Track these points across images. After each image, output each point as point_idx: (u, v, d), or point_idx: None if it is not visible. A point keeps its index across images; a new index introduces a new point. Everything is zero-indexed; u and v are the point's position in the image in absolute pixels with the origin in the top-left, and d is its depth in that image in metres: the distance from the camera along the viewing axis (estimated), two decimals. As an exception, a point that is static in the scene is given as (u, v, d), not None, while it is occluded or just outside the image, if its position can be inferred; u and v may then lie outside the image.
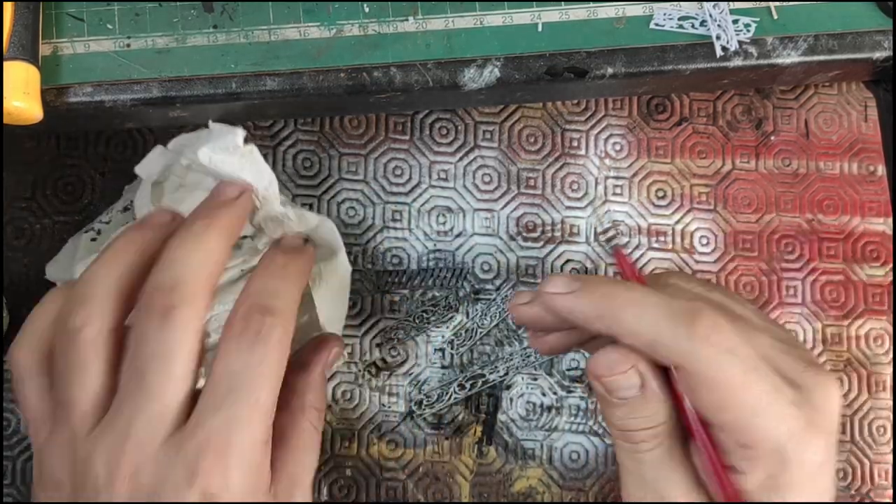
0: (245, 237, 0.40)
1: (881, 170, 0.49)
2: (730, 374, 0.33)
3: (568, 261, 0.47)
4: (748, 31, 0.42)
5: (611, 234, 0.38)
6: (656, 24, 0.42)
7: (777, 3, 0.43)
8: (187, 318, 0.33)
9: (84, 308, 0.34)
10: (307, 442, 0.37)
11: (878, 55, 0.43)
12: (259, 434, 0.33)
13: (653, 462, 0.35)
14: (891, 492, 0.47)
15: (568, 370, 0.47)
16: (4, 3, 0.38)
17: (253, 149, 0.37)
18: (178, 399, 0.33)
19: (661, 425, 0.35)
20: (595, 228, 0.48)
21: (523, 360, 0.47)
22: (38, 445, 0.35)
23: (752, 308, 0.37)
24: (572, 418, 0.47)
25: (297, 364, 0.38)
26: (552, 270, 0.47)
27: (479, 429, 0.46)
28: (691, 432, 0.34)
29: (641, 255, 0.48)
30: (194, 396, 0.34)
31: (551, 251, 0.47)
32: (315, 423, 0.38)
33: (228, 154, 0.37)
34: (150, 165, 0.40)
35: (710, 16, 0.42)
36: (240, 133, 0.37)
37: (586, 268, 0.48)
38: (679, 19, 0.42)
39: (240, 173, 0.37)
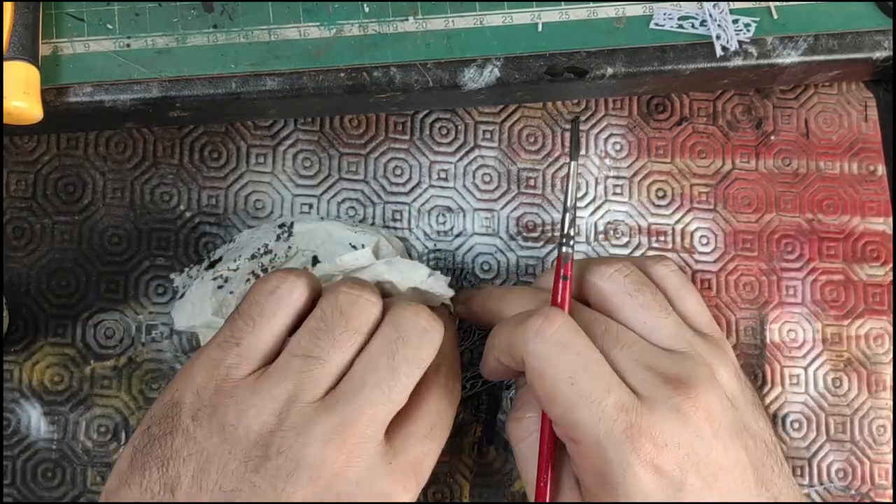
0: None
1: (881, 169, 0.49)
2: (556, 368, 0.35)
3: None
4: (748, 30, 0.42)
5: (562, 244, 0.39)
6: (656, 24, 0.42)
7: (777, 3, 0.43)
8: (436, 345, 0.36)
9: (375, 294, 0.37)
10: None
11: (878, 55, 0.43)
12: (391, 413, 0.35)
13: (523, 457, 0.39)
14: (891, 492, 0.47)
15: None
16: (4, 3, 0.38)
17: (433, 283, 0.41)
18: (398, 409, 0.35)
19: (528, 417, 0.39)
20: (595, 228, 0.48)
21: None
22: (232, 376, 0.34)
23: (658, 314, 0.38)
24: (572, 418, 0.47)
25: None
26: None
27: (479, 429, 0.46)
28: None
29: (642, 255, 0.48)
30: None
31: (551, 251, 0.48)
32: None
33: (421, 295, 0.41)
34: (351, 261, 0.41)
35: (710, 16, 0.42)
36: (447, 300, 0.42)
37: (586, 268, 0.48)
38: (679, 19, 0.42)
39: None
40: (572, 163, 0.39)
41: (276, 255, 0.43)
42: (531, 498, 0.38)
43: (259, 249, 0.43)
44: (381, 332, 0.35)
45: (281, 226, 0.44)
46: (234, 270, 0.43)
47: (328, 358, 0.34)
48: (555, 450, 0.37)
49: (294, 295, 0.36)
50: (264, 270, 0.42)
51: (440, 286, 0.41)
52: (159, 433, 0.34)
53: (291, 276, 0.36)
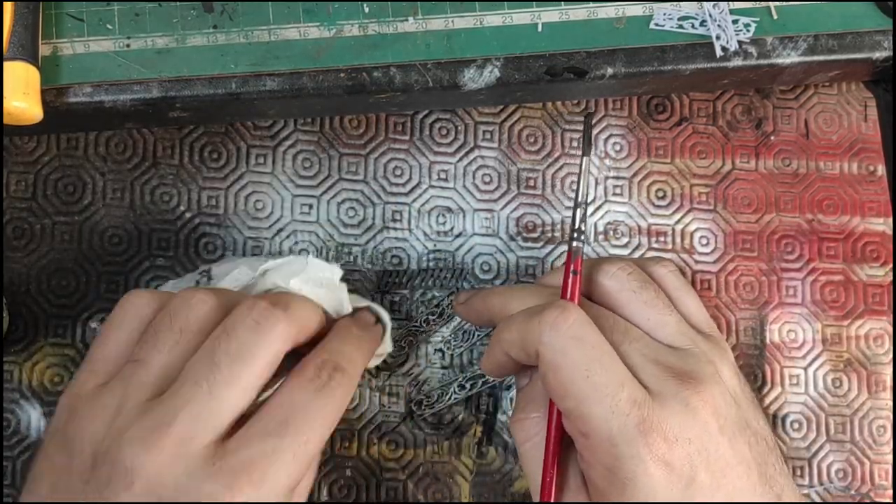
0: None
1: (881, 170, 0.49)
2: (571, 360, 0.35)
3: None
4: (748, 31, 0.42)
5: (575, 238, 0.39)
6: (656, 24, 0.42)
7: (777, 3, 0.43)
8: (278, 334, 0.34)
9: (216, 293, 0.35)
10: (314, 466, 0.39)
11: (877, 55, 0.43)
12: (294, 477, 0.33)
13: (528, 457, 0.39)
14: (891, 492, 0.47)
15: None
16: (4, 3, 0.38)
17: (344, 286, 0.40)
18: (233, 407, 0.33)
19: (533, 417, 0.39)
20: (595, 228, 0.48)
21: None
22: (78, 398, 0.34)
23: (661, 311, 0.39)
24: (572, 418, 0.47)
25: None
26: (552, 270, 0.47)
27: (479, 429, 0.46)
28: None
29: (642, 256, 0.48)
30: (240, 421, 0.33)
31: (551, 251, 0.48)
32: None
33: (317, 286, 0.39)
34: (232, 282, 0.41)
35: (710, 16, 0.42)
36: (338, 273, 0.40)
37: (586, 268, 0.48)
38: (679, 19, 0.42)
39: (327, 303, 0.40)
40: (584, 158, 0.39)
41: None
42: (536, 499, 0.38)
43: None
44: (213, 332, 0.34)
45: (202, 272, 0.43)
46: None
47: (149, 359, 0.34)
48: (561, 448, 0.37)
49: (138, 306, 0.36)
50: None
51: (321, 266, 0.40)
52: (36, 458, 0.34)
53: (137, 292, 0.36)
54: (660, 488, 0.33)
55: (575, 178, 0.48)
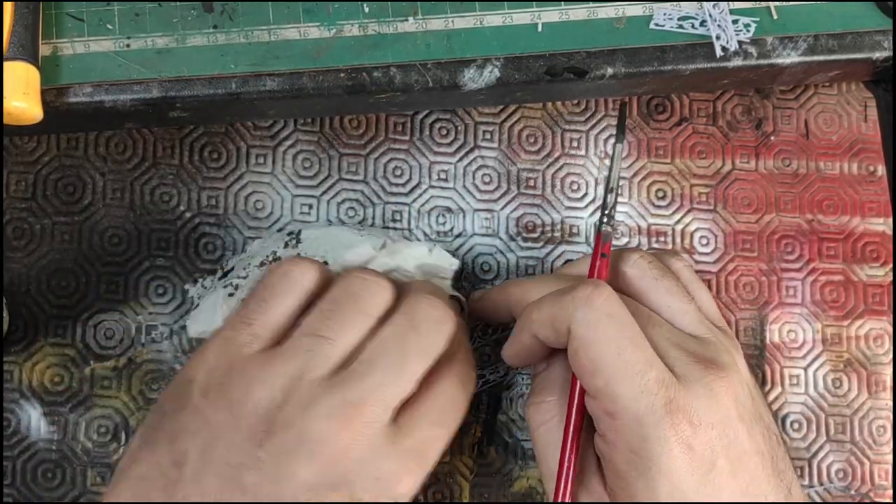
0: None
1: (881, 170, 0.49)
2: (604, 336, 0.35)
3: (568, 261, 0.47)
4: (748, 31, 0.42)
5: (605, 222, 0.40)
6: (656, 24, 0.42)
7: (777, 3, 0.43)
8: (447, 336, 0.37)
9: (388, 281, 0.37)
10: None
11: (877, 55, 0.43)
12: (399, 397, 0.35)
13: (543, 442, 0.39)
14: (891, 492, 0.47)
15: (568, 370, 0.47)
16: (4, 3, 0.38)
17: (448, 282, 0.43)
18: (407, 394, 0.35)
19: (550, 401, 0.39)
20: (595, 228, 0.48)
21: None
22: (240, 353, 0.35)
23: (681, 299, 0.39)
24: (572, 418, 0.47)
25: None
26: (552, 271, 0.47)
27: (479, 429, 0.46)
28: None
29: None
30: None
31: (551, 251, 0.48)
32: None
33: (434, 277, 0.43)
34: (354, 257, 0.43)
35: (710, 16, 0.42)
36: (456, 265, 0.43)
37: (586, 268, 0.48)
38: (679, 19, 0.42)
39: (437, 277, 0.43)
40: (618, 145, 0.40)
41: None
42: (548, 483, 0.38)
43: (268, 257, 0.43)
44: (394, 319, 0.36)
45: (290, 234, 0.44)
46: (244, 279, 0.43)
47: (337, 338, 0.35)
48: (580, 430, 0.37)
49: (305, 278, 0.37)
50: None
51: (444, 257, 0.42)
52: (170, 410, 0.35)
53: (304, 261, 0.37)
54: (681, 472, 0.34)
55: (575, 179, 0.48)
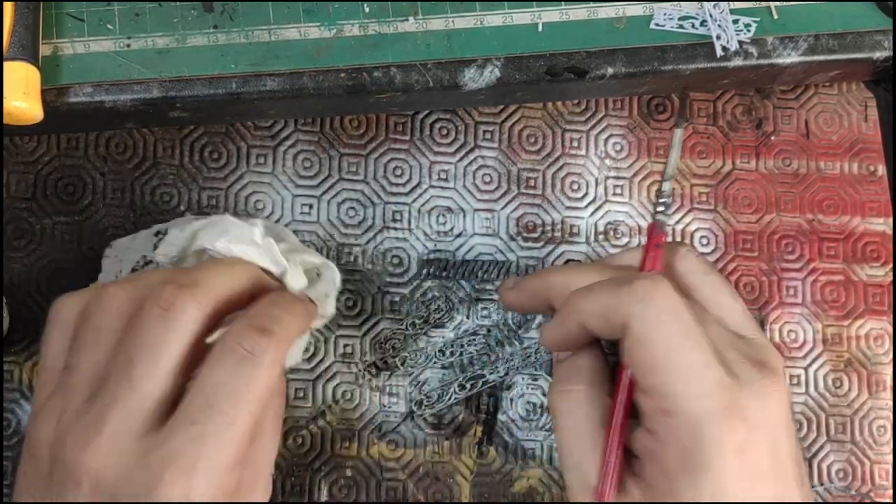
0: None
1: (881, 170, 0.49)
2: (665, 335, 0.34)
3: (568, 261, 0.47)
4: (748, 30, 0.42)
5: (660, 206, 0.39)
6: (656, 24, 0.42)
7: (777, 3, 0.43)
8: (188, 317, 0.33)
9: (128, 283, 0.35)
10: (269, 431, 0.37)
11: (878, 55, 0.43)
12: (229, 455, 0.33)
13: (568, 434, 0.37)
14: (891, 492, 0.47)
15: (568, 370, 0.47)
16: (4, 3, 0.38)
17: (271, 242, 0.39)
18: (156, 396, 0.33)
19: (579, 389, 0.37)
20: (596, 228, 0.48)
21: (523, 360, 0.47)
22: (38, 406, 0.35)
23: (729, 297, 0.38)
24: (572, 418, 0.47)
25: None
26: (552, 270, 0.47)
27: (480, 429, 0.46)
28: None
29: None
30: (177, 402, 0.33)
31: (551, 251, 0.48)
32: (277, 409, 0.37)
33: (246, 245, 0.39)
34: (168, 248, 0.41)
35: (711, 16, 0.42)
36: (258, 230, 0.39)
37: (586, 268, 0.48)
38: (679, 19, 0.42)
39: (258, 262, 0.39)
40: (678, 130, 0.39)
41: (158, 264, 0.42)
42: (572, 475, 0.36)
43: (139, 262, 0.43)
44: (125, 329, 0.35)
45: (157, 233, 0.44)
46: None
47: (77, 364, 0.34)
48: (625, 425, 0.36)
49: (64, 312, 0.36)
50: None
51: (242, 226, 0.40)
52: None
53: (63, 297, 0.36)
54: (730, 474, 0.33)
55: (575, 179, 0.48)
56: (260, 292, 0.37)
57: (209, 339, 0.34)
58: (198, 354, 0.34)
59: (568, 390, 0.37)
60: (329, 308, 0.42)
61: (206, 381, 0.33)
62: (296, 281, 0.40)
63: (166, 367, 0.33)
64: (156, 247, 0.43)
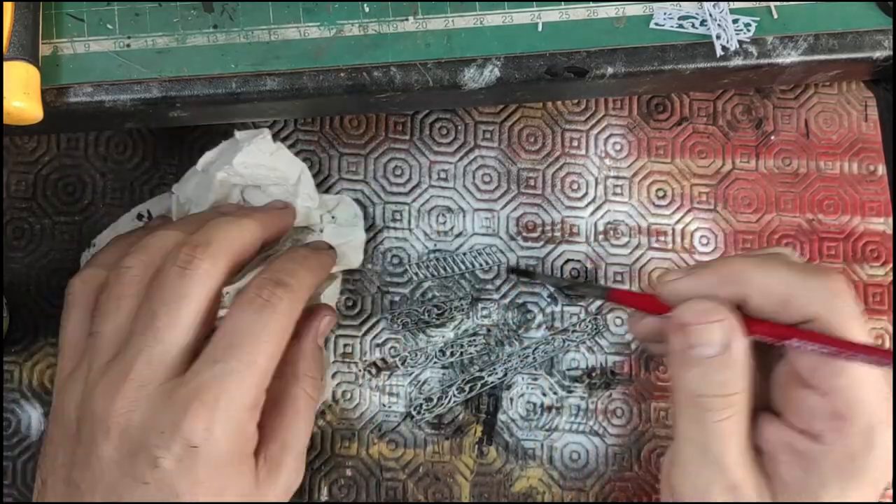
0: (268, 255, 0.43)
1: (881, 169, 0.49)
2: (856, 338, 0.33)
3: (568, 260, 0.47)
4: (748, 30, 0.42)
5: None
6: (656, 24, 0.42)
7: (777, 3, 0.43)
8: (205, 273, 0.36)
9: (141, 253, 0.38)
10: (300, 408, 0.40)
11: (878, 55, 0.43)
12: (249, 395, 0.35)
13: (721, 433, 0.34)
14: (891, 492, 0.47)
15: (568, 370, 0.47)
16: (4, 3, 0.38)
17: (280, 145, 0.43)
18: (180, 345, 0.35)
19: (737, 394, 0.34)
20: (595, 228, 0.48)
21: (521, 360, 0.47)
22: (61, 381, 0.37)
23: None
24: (573, 418, 0.47)
25: (291, 335, 0.39)
26: (552, 270, 0.47)
27: (480, 429, 0.46)
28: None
29: (642, 255, 0.48)
30: (199, 352, 0.36)
31: (551, 251, 0.47)
32: (309, 391, 0.40)
33: (261, 156, 0.42)
34: (186, 187, 0.44)
35: (710, 15, 0.42)
36: (267, 133, 0.43)
37: (586, 268, 0.48)
38: (679, 19, 0.42)
39: (276, 169, 0.43)
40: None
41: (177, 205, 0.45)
42: (706, 474, 0.34)
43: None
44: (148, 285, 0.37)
45: (139, 216, 0.46)
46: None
47: (101, 329, 0.36)
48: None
49: (82, 289, 0.39)
50: None
51: (251, 135, 0.43)
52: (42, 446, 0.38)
53: (78, 275, 0.40)
54: (875, 482, 0.33)
55: (575, 178, 0.48)
56: (272, 239, 0.41)
57: (225, 290, 0.37)
58: (216, 307, 0.37)
59: (730, 394, 0.34)
60: (351, 260, 0.45)
61: (228, 325, 0.36)
62: (306, 197, 0.44)
63: (187, 318, 0.35)
64: (140, 217, 0.46)
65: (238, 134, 0.43)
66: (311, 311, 0.42)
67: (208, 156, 0.43)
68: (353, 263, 0.46)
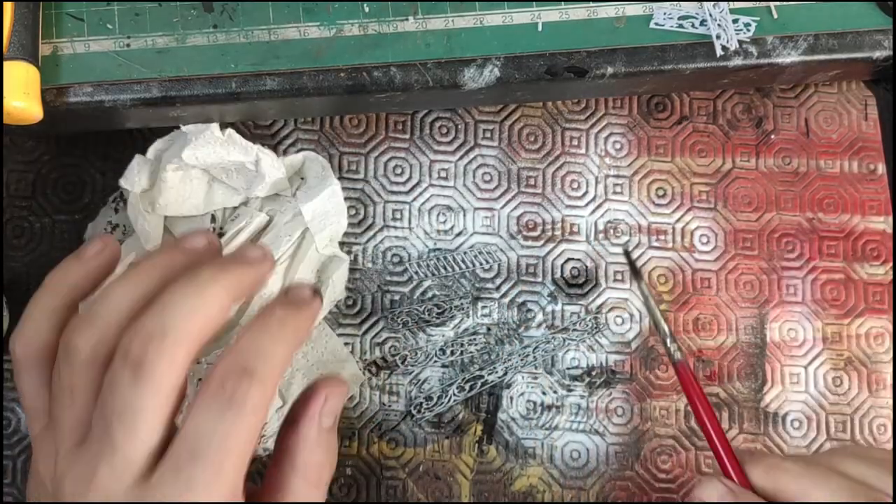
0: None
1: (881, 168, 0.49)
2: None
3: (568, 259, 0.47)
4: (748, 30, 0.42)
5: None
6: (656, 24, 0.42)
7: (777, 3, 0.43)
8: (161, 376, 0.32)
9: (89, 329, 0.34)
10: (300, 500, 0.35)
11: (877, 54, 0.43)
12: (225, 495, 0.32)
13: None
14: (891, 491, 0.47)
15: (568, 369, 0.47)
16: (4, 3, 0.38)
17: (231, 132, 0.43)
18: (143, 451, 0.32)
19: None
20: (595, 227, 0.48)
21: (521, 359, 0.47)
22: (35, 434, 0.36)
23: None
24: (573, 417, 0.47)
25: (288, 419, 0.36)
26: (552, 269, 0.47)
27: (480, 428, 0.46)
28: None
29: (642, 254, 0.48)
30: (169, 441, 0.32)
31: (551, 250, 0.48)
32: (312, 479, 0.36)
33: (211, 146, 0.42)
34: (132, 176, 0.43)
35: (710, 15, 0.42)
36: (214, 126, 0.42)
37: (586, 266, 0.48)
38: (679, 19, 0.42)
39: (228, 157, 0.42)
40: (642, 284, 0.37)
41: (125, 226, 0.45)
42: None
43: (105, 229, 0.45)
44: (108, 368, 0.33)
45: (113, 200, 0.46)
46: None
47: (60, 417, 0.34)
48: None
49: (22, 358, 0.36)
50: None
51: (199, 129, 0.43)
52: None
53: (17, 333, 0.36)
54: None
55: (575, 177, 0.48)
56: (248, 298, 0.37)
57: (191, 370, 0.34)
58: (182, 394, 0.33)
59: None
60: (337, 293, 0.45)
61: (190, 427, 0.32)
62: (271, 170, 0.43)
63: (145, 431, 0.32)
64: (116, 210, 0.46)
65: (185, 128, 0.43)
66: (312, 388, 0.36)
67: (158, 144, 0.43)
68: (339, 295, 0.46)
